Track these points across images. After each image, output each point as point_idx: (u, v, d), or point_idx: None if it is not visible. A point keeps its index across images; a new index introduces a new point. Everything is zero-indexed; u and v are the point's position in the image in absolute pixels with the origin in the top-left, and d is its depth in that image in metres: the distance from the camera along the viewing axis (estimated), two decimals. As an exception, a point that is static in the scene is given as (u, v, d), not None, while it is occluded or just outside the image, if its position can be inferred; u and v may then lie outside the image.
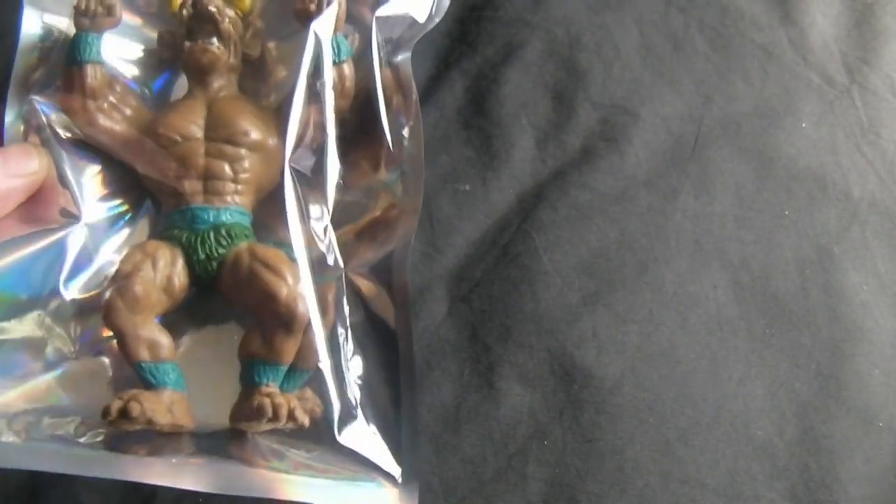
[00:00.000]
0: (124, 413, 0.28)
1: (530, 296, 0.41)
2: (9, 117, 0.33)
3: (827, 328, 0.41)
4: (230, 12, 0.34)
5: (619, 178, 0.44)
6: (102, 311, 0.30)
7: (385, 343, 0.33)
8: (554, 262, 0.42)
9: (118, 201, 0.34)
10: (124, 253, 0.32)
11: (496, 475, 0.38)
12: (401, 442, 0.32)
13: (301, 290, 0.31)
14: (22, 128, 0.33)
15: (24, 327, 0.31)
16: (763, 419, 0.39)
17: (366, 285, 0.34)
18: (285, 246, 0.32)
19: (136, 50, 0.36)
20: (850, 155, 0.46)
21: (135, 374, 0.30)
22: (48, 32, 0.34)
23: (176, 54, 0.35)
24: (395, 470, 0.32)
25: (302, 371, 0.31)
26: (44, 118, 0.33)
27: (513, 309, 0.41)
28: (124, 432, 0.30)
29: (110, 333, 0.31)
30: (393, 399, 0.32)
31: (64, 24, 0.34)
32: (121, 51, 0.35)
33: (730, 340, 0.41)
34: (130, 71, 0.35)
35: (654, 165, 0.45)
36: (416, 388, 0.32)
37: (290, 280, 0.31)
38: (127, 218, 0.34)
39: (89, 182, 0.33)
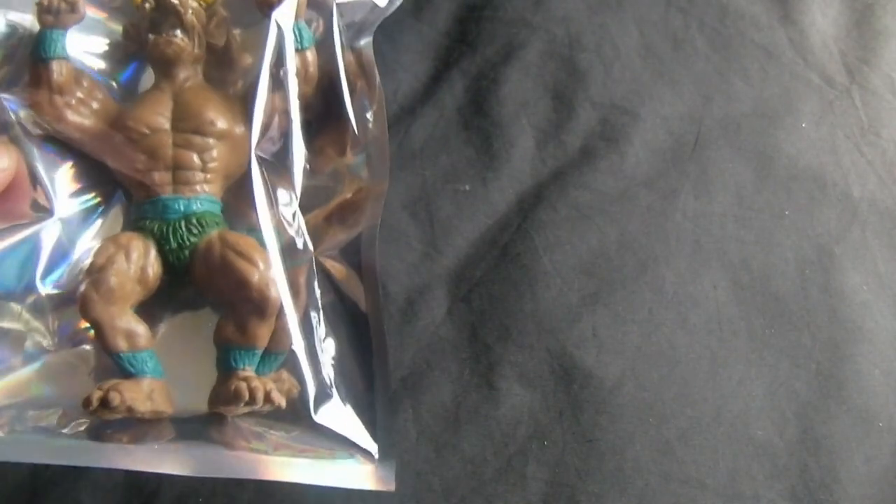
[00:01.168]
0: (105, 403, 0.29)
1: (530, 296, 0.41)
2: None
3: (827, 328, 0.41)
4: (193, 3, 0.34)
5: (619, 178, 0.44)
6: (78, 303, 0.31)
7: (356, 323, 0.34)
8: (554, 262, 0.42)
9: (90, 195, 0.34)
10: (97, 246, 0.32)
11: (496, 475, 0.38)
12: (376, 419, 0.32)
13: (272, 275, 0.31)
14: None
15: (1, 322, 0.32)
16: (763, 419, 0.39)
17: (336, 268, 0.34)
18: (256, 232, 0.33)
19: (102, 44, 0.36)
20: (850, 155, 0.46)
21: (114, 364, 0.31)
22: (12, 30, 0.34)
23: (141, 47, 0.35)
24: (372, 446, 0.32)
25: (276, 354, 0.32)
26: (12, 115, 0.33)
27: (513, 309, 0.41)
28: (106, 421, 0.30)
29: (87, 325, 0.31)
30: (366, 377, 0.33)
31: (28, 21, 0.35)
32: (86, 45, 0.35)
33: (730, 340, 0.41)
34: (96, 65, 0.36)
35: (654, 165, 0.45)
36: (387, 367, 0.33)
37: (261, 266, 0.31)
38: (99, 211, 0.34)
39: (60, 176, 0.34)
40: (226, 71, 0.36)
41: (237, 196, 0.34)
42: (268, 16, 0.34)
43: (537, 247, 0.42)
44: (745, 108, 0.47)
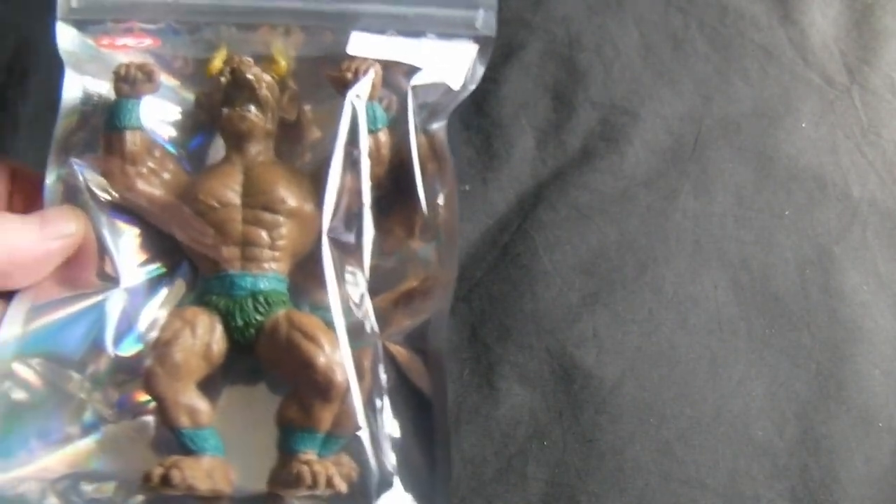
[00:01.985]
0: (166, 480, 0.29)
1: (530, 296, 0.41)
2: (49, 180, 0.33)
3: (827, 328, 0.41)
4: (267, 77, 0.34)
5: (619, 178, 0.44)
6: (143, 377, 0.31)
7: (420, 410, 0.33)
8: (554, 262, 0.42)
9: (156, 265, 0.34)
10: (163, 319, 0.32)
11: (496, 475, 0.38)
12: (436, 501, 0.32)
13: (339, 358, 0.31)
14: (61, 190, 0.33)
15: (62, 391, 0.31)
16: (763, 419, 0.39)
17: (401, 353, 0.34)
18: (321, 310, 0.33)
19: (173, 111, 0.36)
20: (850, 155, 0.46)
21: (174, 440, 0.30)
22: (88, 96, 0.35)
23: (213, 117, 0.35)
24: None
25: (339, 437, 0.31)
26: (83, 181, 0.33)
27: (513, 309, 0.41)
28: (164, 497, 0.30)
29: (148, 398, 0.31)
30: (428, 465, 0.32)
31: (104, 88, 0.35)
32: (158, 111, 0.35)
33: (730, 340, 0.41)
34: (167, 132, 0.36)
35: (654, 165, 0.45)
36: (449, 455, 0.32)
37: (327, 348, 0.31)
38: (165, 281, 0.34)
39: (127, 245, 0.34)
40: (295, 145, 0.36)
41: (303, 274, 0.34)
42: (343, 95, 0.33)
43: (537, 247, 0.42)
44: (745, 108, 0.47)
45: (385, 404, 0.33)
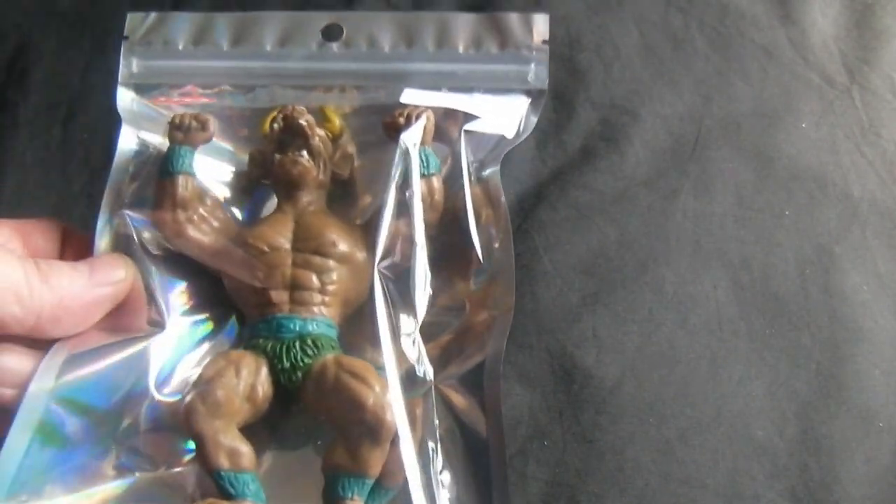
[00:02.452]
0: None
1: (530, 296, 0.41)
2: (100, 229, 0.33)
3: (827, 328, 0.41)
4: (320, 131, 0.35)
5: (619, 178, 0.44)
6: (182, 414, 0.29)
7: (476, 456, 0.32)
8: (554, 262, 0.42)
9: (203, 315, 0.34)
10: (208, 361, 0.31)
11: (496, 475, 0.37)
12: None
13: (389, 398, 0.30)
14: (111, 240, 0.33)
15: (100, 435, 0.30)
16: (763, 419, 0.39)
17: (455, 397, 0.33)
18: (374, 365, 0.32)
19: (227, 172, 0.37)
20: (850, 155, 0.46)
21: (213, 485, 0.29)
22: (143, 149, 0.35)
23: (266, 172, 0.35)
24: None
25: (388, 488, 0.30)
26: (133, 232, 0.33)
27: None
28: None
29: (188, 444, 0.30)
30: (484, 498, 0.31)
31: (158, 141, 0.35)
32: (213, 172, 0.36)
33: (730, 340, 0.41)
34: (221, 192, 0.36)
35: (654, 165, 0.45)
36: (506, 486, 0.31)
37: (376, 388, 0.30)
38: (210, 334, 0.34)
39: (175, 296, 0.34)
40: (348, 204, 0.36)
41: (354, 328, 0.33)
42: (395, 139, 0.34)
43: (537, 247, 0.42)
44: (745, 108, 0.47)
45: (438, 450, 0.32)
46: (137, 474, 0.30)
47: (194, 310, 0.34)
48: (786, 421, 0.39)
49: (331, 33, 0.37)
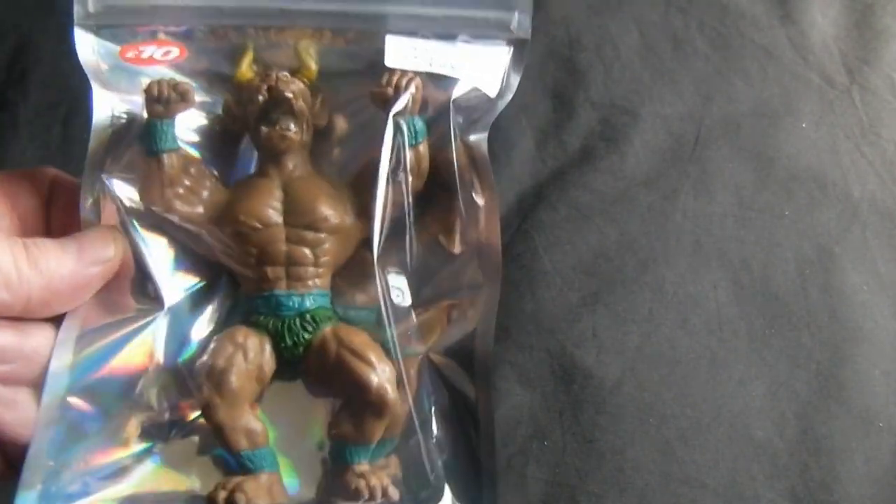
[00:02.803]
0: (230, 502, 0.30)
1: (530, 296, 0.41)
2: (84, 199, 0.32)
3: (827, 328, 0.41)
4: (299, 86, 0.34)
5: (619, 178, 0.44)
6: (202, 407, 0.31)
7: (466, 418, 0.34)
8: (554, 262, 0.42)
9: (197, 279, 0.34)
10: (215, 343, 0.32)
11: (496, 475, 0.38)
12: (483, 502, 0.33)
13: (391, 375, 0.31)
14: (98, 209, 0.32)
15: (115, 416, 0.32)
16: (763, 419, 0.39)
17: (446, 365, 0.34)
18: (360, 310, 0.33)
19: (199, 117, 0.35)
20: (850, 155, 0.46)
21: (232, 461, 0.31)
22: (119, 113, 0.34)
23: (243, 125, 0.35)
24: None
25: (387, 440, 0.32)
26: (119, 199, 0.33)
27: (513, 309, 0.41)
28: None
29: (197, 413, 0.32)
30: (474, 471, 0.33)
31: (134, 103, 0.34)
32: (184, 118, 0.35)
33: (730, 340, 0.41)
34: (193, 138, 0.35)
35: (654, 165, 0.45)
36: (496, 462, 0.33)
37: (378, 367, 0.31)
38: (207, 295, 0.34)
39: (167, 262, 0.33)
40: (323, 142, 0.35)
41: (342, 278, 0.34)
42: (386, 113, 0.33)
43: (537, 247, 0.42)
44: (745, 108, 0.47)
45: (433, 412, 0.33)
46: (159, 448, 0.32)
47: (189, 275, 0.34)
48: (786, 421, 0.39)
49: None
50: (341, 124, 0.36)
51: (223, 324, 0.33)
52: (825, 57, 0.49)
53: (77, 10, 0.34)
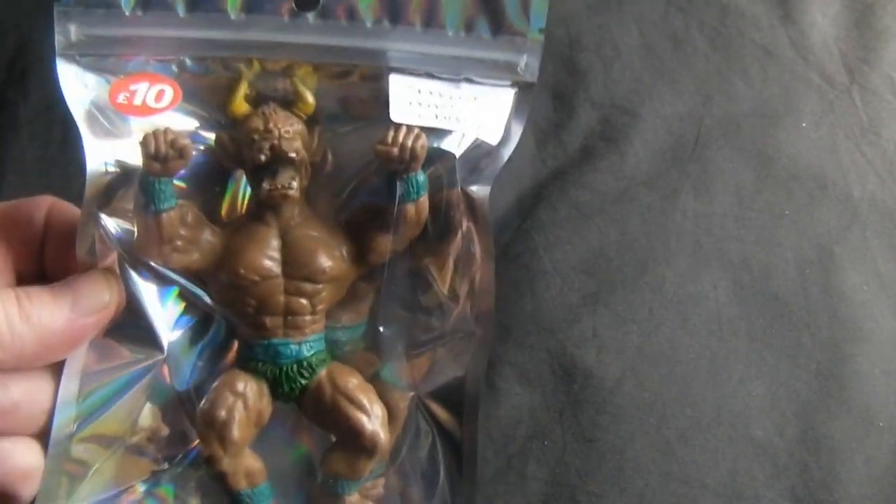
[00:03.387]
0: None
1: (530, 296, 0.41)
2: (81, 243, 0.32)
3: (827, 328, 0.41)
4: (299, 138, 0.33)
5: (619, 178, 0.44)
6: (205, 459, 0.32)
7: (452, 449, 0.35)
8: (554, 262, 0.42)
9: (196, 327, 0.34)
10: (214, 393, 0.32)
11: (496, 475, 0.38)
12: None
13: (384, 420, 0.32)
14: (94, 251, 0.32)
15: (114, 458, 0.32)
16: (763, 419, 0.39)
17: (436, 410, 0.35)
18: (349, 328, 0.34)
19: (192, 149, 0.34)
20: (850, 155, 0.46)
21: (232, 501, 0.33)
22: (114, 159, 0.33)
23: (237, 162, 0.34)
24: None
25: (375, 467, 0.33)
26: (117, 242, 0.32)
27: (513, 309, 0.41)
28: None
29: (195, 448, 0.33)
30: (456, 496, 0.34)
31: (131, 146, 0.33)
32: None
33: (730, 340, 0.41)
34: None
35: (654, 165, 0.45)
36: (475, 487, 0.34)
37: (372, 413, 0.32)
38: (204, 334, 0.34)
39: (165, 306, 0.33)
40: (323, 186, 0.35)
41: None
42: (390, 172, 0.33)
43: (537, 247, 0.42)
44: (745, 108, 0.47)
45: (417, 447, 0.34)
46: (163, 486, 0.33)
47: (186, 313, 0.34)
48: (786, 421, 0.39)
49: (305, 1, 0.34)
50: (330, 156, 0.35)
51: (220, 361, 0.34)
52: (825, 57, 0.49)
53: (59, 39, 0.32)
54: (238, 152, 0.33)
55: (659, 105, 0.46)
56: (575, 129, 0.46)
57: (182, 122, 0.33)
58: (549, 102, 0.46)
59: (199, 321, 0.34)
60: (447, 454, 0.34)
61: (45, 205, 0.33)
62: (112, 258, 0.32)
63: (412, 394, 0.34)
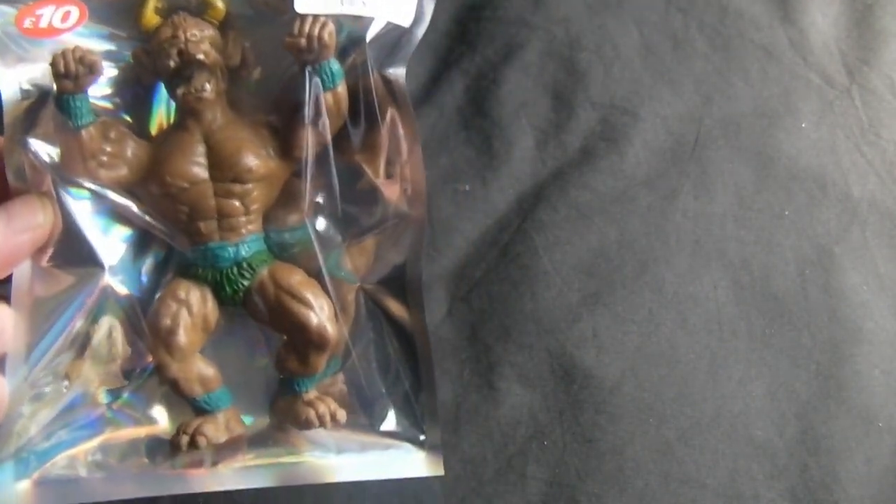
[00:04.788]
0: (193, 445, 0.32)
1: (530, 296, 0.41)
2: (9, 167, 0.32)
3: (827, 328, 0.41)
4: (208, 41, 0.33)
5: (619, 178, 0.44)
6: (155, 368, 0.33)
7: (403, 341, 0.35)
8: (554, 262, 0.42)
9: (133, 238, 0.34)
10: (158, 303, 0.33)
11: (496, 475, 0.38)
12: (423, 413, 0.35)
13: (329, 313, 0.33)
14: (24, 176, 0.32)
15: (77, 380, 0.33)
16: (763, 419, 0.39)
17: (381, 298, 0.35)
18: (296, 230, 0.34)
19: (110, 70, 0.35)
20: (850, 155, 0.46)
21: (190, 406, 0.33)
22: (29, 88, 0.33)
23: (153, 75, 0.34)
24: (421, 438, 0.34)
25: (330, 362, 0.34)
26: (44, 162, 0.32)
27: (513, 309, 0.41)
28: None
29: (154, 367, 0.33)
30: (413, 380, 0.35)
31: (41, 72, 0.33)
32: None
33: (730, 340, 0.41)
34: (103, 91, 0.34)
35: (654, 165, 0.45)
36: (432, 367, 0.35)
37: (316, 307, 0.33)
38: (145, 253, 0.35)
39: (100, 222, 0.34)
40: (237, 78, 0.35)
41: (276, 203, 0.35)
42: (303, 70, 0.33)
43: (537, 247, 0.42)
44: (745, 108, 0.47)
45: (370, 338, 0.35)
46: (125, 395, 0.33)
47: (123, 235, 0.34)
48: (786, 421, 0.39)
49: None
50: (251, 58, 0.35)
51: (164, 273, 0.34)
52: (825, 57, 0.49)
53: None
54: (153, 65, 0.34)
55: (659, 105, 0.46)
56: (575, 129, 0.46)
57: (98, 44, 0.34)
58: (549, 102, 0.46)
59: (139, 237, 0.34)
60: (399, 343, 0.35)
61: None
62: (46, 183, 0.32)
63: (358, 284, 0.35)
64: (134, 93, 0.35)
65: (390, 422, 0.34)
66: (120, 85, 0.35)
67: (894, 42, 0.50)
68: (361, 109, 0.34)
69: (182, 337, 0.32)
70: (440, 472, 0.34)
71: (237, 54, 0.35)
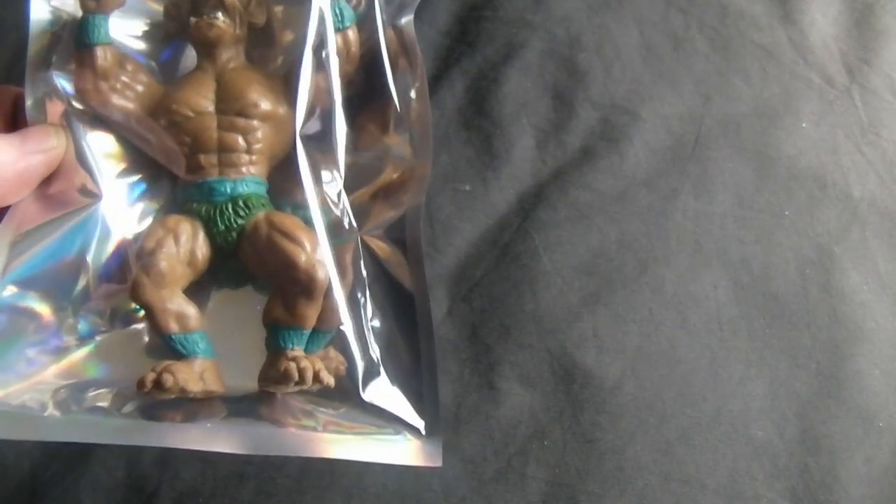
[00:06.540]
0: (159, 384, 0.30)
1: (530, 296, 0.41)
2: (28, 100, 0.33)
3: (827, 328, 0.41)
4: None
5: (619, 178, 0.44)
6: (130, 287, 0.31)
7: (402, 302, 0.34)
8: (554, 262, 0.42)
9: (136, 176, 0.35)
10: (146, 229, 0.33)
11: (496, 475, 0.38)
12: (422, 396, 0.33)
13: (319, 255, 0.32)
14: (42, 107, 0.33)
15: (55, 308, 0.32)
16: (763, 419, 0.39)
17: (381, 247, 0.35)
18: (301, 209, 0.33)
19: (142, 25, 0.36)
20: (850, 155, 0.46)
21: (165, 346, 0.31)
22: (57, 15, 0.34)
23: (182, 27, 0.35)
24: (419, 423, 0.32)
25: (324, 332, 0.32)
26: (63, 94, 0.33)
27: (513, 309, 0.41)
28: (160, 401, 0.31)
29: (138, 307, 0.32)
30: (412, 355, 0.33)
31: (70, 5, 0.35)
32: (127, 27, 0.36)
33: (730, 340, 0.41)
34: (137, 46, 0.36)
35: (654, 165, 0.45)
36: (433, 344, 0.33)
37: (307, 247, 0.32)
38: (146, 191, 0.35)
39: (109, 157, 0.34)
40: (266, 49, 0.36)
41: (282, 175, 0.34)
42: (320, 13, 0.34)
43: (537, 247, 0.42)
44: (745, 108, 0.47)
45: (367, 298, 0.33)
46: (98, 338, 0.32)
47: (129, 171, 0.34)
48: (786, 421, 0.39)
49: None
50: (278, 22, 0.36)
51: (160, 210, 0.34)
52: (825, 57, 0.49)
53: None
54: (181, 16, 0.35)
55: (659, 105, 0.46)
56: (575, 129, 0.46)
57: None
58: (549, 102, 0.46)
59: (138, 172, 0.34)
60: (399, 299, 0.34)
61: (11, 92, 0.34)
62: (61, 117, 0.33)
63: (356, 239, 0.34)
64: (167, 58, 0.36)
65: (383, 401, 0.32)
66: (153, 43, 0.36)
67: (894, 42, 0.50)
68: (372, 65, 0.34)
69: (162, 261, 0.31)
70: (438, 463, 0.32)
71: (261, 15, 0.35)
